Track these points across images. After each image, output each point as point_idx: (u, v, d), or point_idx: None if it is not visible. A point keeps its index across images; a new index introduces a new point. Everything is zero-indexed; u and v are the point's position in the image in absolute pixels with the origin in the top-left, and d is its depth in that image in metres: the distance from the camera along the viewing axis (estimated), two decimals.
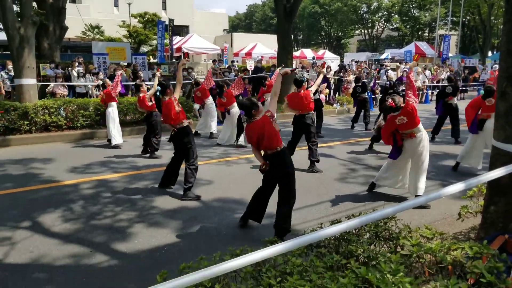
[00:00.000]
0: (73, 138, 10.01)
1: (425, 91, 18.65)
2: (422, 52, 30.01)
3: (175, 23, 21.71)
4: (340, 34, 60.42)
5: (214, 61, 19.59)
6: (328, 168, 7.37)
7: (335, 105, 15.95)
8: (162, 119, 6.18)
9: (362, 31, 57.46)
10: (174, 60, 20.08)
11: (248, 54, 28.94)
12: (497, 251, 2.99)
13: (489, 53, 35.43)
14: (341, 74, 17.95)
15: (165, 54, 21.10)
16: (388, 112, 5.66)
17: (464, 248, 2.77)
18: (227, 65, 18.74)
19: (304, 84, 7.36)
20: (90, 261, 3.99)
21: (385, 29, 57.08)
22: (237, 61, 25.16)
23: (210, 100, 10.54)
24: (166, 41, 21.08)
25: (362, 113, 11.77)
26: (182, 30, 39.98)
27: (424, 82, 18.37)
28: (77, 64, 13.63)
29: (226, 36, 41.31)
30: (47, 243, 4.36)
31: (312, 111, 7.59)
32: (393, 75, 12.02)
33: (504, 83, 3.08)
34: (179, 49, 24.42)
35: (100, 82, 10.61)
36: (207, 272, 1.86)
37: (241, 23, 74.16)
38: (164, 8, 39.99)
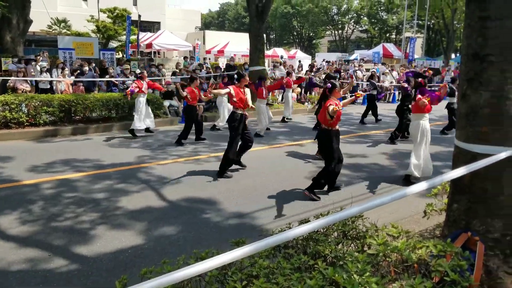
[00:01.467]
0: (35, 136, 9.61)
1: (392, 91, 19.08)
2: (389, 53, 30.69)
3: (146, 19, 21.37)
4: (311, 34, 61.01)
5: (185, 57, 19.32)
6: (299, 167, 7.37)
7: (306, 103, 16.05)
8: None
9: (333, 32, 58.24)
10: (139, 57, 19.68)
11: (221, 52, 28.77)
12: (460, 249, 3.04)
13: (452, 56, 36.60)
14: (313, 74, 18.09)
15: (133, 50, 20.69)
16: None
17: (428, 246, 2.79)
18: (198, 62, 18.49)
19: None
20: (48, 265, 3.80)
21: (354, 30, 58.05)
22: (209, 59, 24.95)
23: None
24: (135, 37, 20.66)
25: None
26: (154, 26, 39.31)
27: (391, 82, 18.78)
28: (41, 58, 13.13)
29: (199, 33, 40.89)
30: (3, 246, 4.14)
31: None
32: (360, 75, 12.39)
33: (465, 86, 3.13)
34: (149, 45, 24.01)
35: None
36: (169, 277, 1.77)
37: (214, 21, 73.66)
38: (135, 4, 39.15)
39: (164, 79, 14.38)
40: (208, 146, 8.93)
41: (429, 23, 39.24)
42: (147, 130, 10.20)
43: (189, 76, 10.61)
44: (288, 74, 12.84)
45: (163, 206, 5.39)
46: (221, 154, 8.17)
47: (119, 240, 4.33)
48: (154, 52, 25.38)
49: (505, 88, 2.89)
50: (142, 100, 9.69)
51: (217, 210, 5.27)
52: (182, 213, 5.14)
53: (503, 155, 2.85)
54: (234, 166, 7.09)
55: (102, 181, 6.33)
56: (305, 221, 3.35)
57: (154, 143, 9.30)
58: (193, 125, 9.26)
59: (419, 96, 6.43)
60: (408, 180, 6.46)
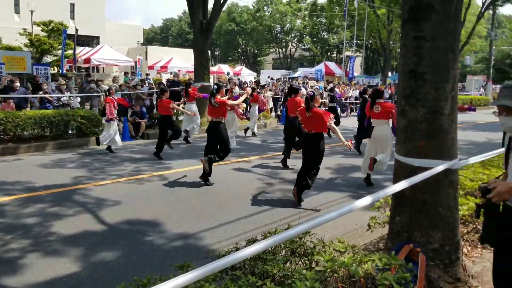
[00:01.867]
0: None
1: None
2: (331, 71, 31.93)
3: (84, 33, 20.58)
4: (256, 51, 62.18)
5: (126, 73, 18.77)
6: (246, 183, 7.31)
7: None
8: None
9: (277, 49, 59.76)
10: (75, 72, 18.88)
11: (164, 68, 28.38)
12: (404, 261, 3.10)
13: (390, 74, 38.87)
14: (258, 90, 18.31)
15: (70, 65, 19.80)
16: None
17: (374, 260, 2.82)
18: (140, 78, 18.03)
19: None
20: None
21: (297, 48, 59.97)
22: (158, 75, 24.51)
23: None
24: (72, 51, 19.80)
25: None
26: (92, 41, 38.00)
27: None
28: None
29: (140, 48, 40.17)
30: None
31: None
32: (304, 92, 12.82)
33: (403, 102, 3.25)
34: (87, 60, 23.09)
35: None
36: None
37: (157, 36, 72.78)
38: (73, 17, 37.67)
39: (103, 95, 13.83)
40: (151, 165, 8.64)
41: (367, 43, 41.49)
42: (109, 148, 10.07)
43: (131, 92, 10.33)
44: (253, 89, 13.28)
45: (101, 230, 5.07)
46: (164, 172, 7.97)
47: (52, 269, 3.97)
48: (93, 68, 24.45)
49: (440, 104, 3.04)
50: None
51: (160, 232, 5.04)
52: (122, 237, 4.85)
53: (440, 168, 2.97)
54: (180, 185, 6.89)
55: (33, 204, 5.85)
56: (253, 240, 3.27)
57: (91, 162, 8.84)
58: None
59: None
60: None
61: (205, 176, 7.14)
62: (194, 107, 11.70)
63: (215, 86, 7.61)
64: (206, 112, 8.69)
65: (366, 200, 2.53)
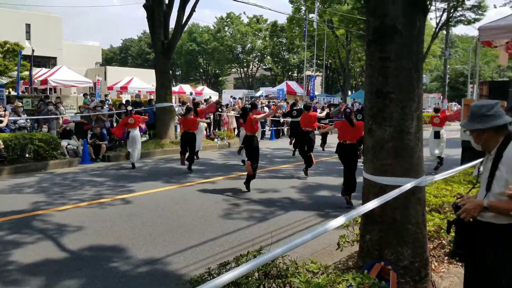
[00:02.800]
0: None
1: None
2: (293, 90, 32.51)
3: (41, 54, 19.87)
4: (217, 71, 62.39)
5: (85, 94, 18.25)
6: (212, 205, 7.19)
7: (216, 139, 16.05)
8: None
9: (238, 69, 60.27)
10: (35, 94, 18.18)
11: (124, 88, 27.84)
12: (377, 279, 3.12)
13: (349, 92, 40.09)
14: (220, 110, 18.32)
15: (26, 86, 19.02)
16: None
17: (348, 280, 2.82)
18: (100, 99, 17.58)
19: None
20: None
21: (259, 68, 60.75)
22: (121, 95, 23.91)
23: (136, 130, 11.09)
24: (28, 72, 19.06)
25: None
26: (49, 62, 36.83)
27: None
28: None
29: (99, 69, 39.35)
30: None
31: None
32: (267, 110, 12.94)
33: (370, 121, 3.32)
34: (45, 81, 22.28)
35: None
36: None
37: (116, 57, 71.55)
38: (28, 38, 36.41)
39: (62, 117, 13.35)
40: (113, 188, 8.34)
41: (327, 62, 42.72)
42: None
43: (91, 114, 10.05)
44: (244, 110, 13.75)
45: (63, 258, 4.80)
46: (127, 196, 7.72)
47: None
48: (50, 89, 23.58)
49: (406, 123, 3.13)
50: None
51: (125, 258, 4.84)
52: (85, 264, 4.61)
53: (408, 185, 3.03)
54: (145, 208, 6.68)
55: None
56: (225, 264, 3.20)
57: (51, 187, 8.44)
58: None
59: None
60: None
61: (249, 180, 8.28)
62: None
63: (249, 106, 9.22)
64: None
65: (340, 220, 2.54)
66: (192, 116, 10.64)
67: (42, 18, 36.69)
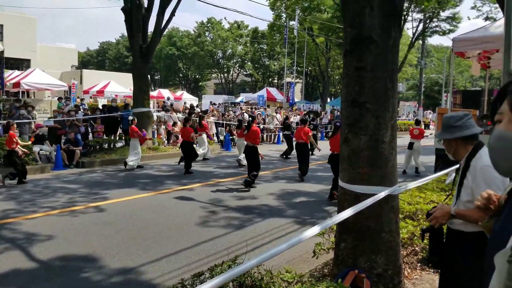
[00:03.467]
0: None
1: (277, 133, 20.12)
2: (273, 97, 32.64)
3: (13, 56, 19.33)
4: (197, 76, 62.10)
5: (60, 98, 17.83)
6: (188, 212, 7.10)
7: (195, 145, 15.88)
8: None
9: (219, 75, 60.12)
10: (4, 97, 17.66)
11: (100, 92, 27.35)
12: (350, 287, 3.13)
13: (328, 100, 40.54)
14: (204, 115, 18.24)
15: None
16: None
17: None
18: (74, 103, 17.21)
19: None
20: None
21: (239, 74, 60.78)
22: (91, 99, 23.46)
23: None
24: None
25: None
26: (22, 64, 35.88)
27: (276, 124, 19.86)
28: None
29: (75, 72, 38.62)
30: None
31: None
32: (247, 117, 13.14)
33: (346, 130, 3.34)
34: (17, 84, 21.66)
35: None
36: None
37: (93, 60, 70.33)
38: (1, 39, 35.43)
39: (34, 121, 12.99)
40: (86, 196, 8.14)
41: (307, 69, 43.11)
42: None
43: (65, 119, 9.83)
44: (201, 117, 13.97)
45: (33, 268, 4.64)
46: (101, 203, 7.55)
47: None
48: (23, 92, 22.94)
49: (380, 132, 3.15)
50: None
51: (97, 267, 4.71)
52: (56, 275, 4.46)
53: (382, 194, 3.05)
54: (118, 216, 6.54)
55: None
56: (199, 274, 3.14)
57: (20, 194, 8.18)
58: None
59: None
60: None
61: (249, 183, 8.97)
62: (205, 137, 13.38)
63: (251, 118, 9.98)
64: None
65: (314, 229, 2.52)
66: (190, 127, 11.41)
67: (16, 18, 35.74)
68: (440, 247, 2.58)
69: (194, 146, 12.18)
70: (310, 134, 10.41)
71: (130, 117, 12.32)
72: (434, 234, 2.58)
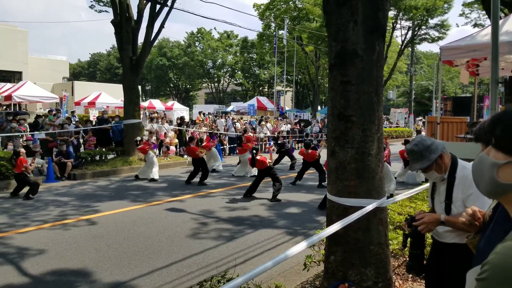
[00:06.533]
0: None
1: (267, 142, 20.15)
2: (263, 105, 32.76)
3: (5, 68, 19.24)
4: (188, 86, 62.17)
5: (50, 111, 17.73)
6: (179, 224, 7.08)
7: (185, 156, 15.88)
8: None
9: (209, 84, 60.24)
10: None
11: (92, 104, 27.27)
12: None
13: (319, 108, 40.75)
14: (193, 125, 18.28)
15: None
16: None
17: None
18: (67, 116, 17.12)
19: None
20: None
21: (230, 83, 60.93)
22: (88, 112, 23.21)
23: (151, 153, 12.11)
24: None
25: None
26: (14, 76, 35.67)
27: (266, 133, 19.91)
28: None
29: (66, 84, 38.43)
30: None
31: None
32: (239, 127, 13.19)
33: (333, 143, 3.38)
34: (8, 97, 21.52)
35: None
36: None
37: (84, 71, 70.14)
38: None
39: (25, 135, 12.91)
40: (78, 208, 8.09)
41: (297, 78, 43.38)
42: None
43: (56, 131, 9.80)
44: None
45: (24, 283, 4.60)
46: (92, 216, 7.50)
47: None
48: (15, 105, 22.80)
49: (367, 145, 3.20)
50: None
51: (90, 282, 4.68)
52: None
53: (370, 207, 3.09)
54: (110, 229, 6.50)
55: None
56: None
57: (12, 207, 8.11)
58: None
59: None
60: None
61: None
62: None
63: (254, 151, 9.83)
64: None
65: (301, 245, 2.55)
66: (194, 146, 11.56)
67: (7, 31, 35.61)
68: (421, 253, 2.63)
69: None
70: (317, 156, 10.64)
71: (138, 138, 12.55)
72: (416, 239, 2.62)
